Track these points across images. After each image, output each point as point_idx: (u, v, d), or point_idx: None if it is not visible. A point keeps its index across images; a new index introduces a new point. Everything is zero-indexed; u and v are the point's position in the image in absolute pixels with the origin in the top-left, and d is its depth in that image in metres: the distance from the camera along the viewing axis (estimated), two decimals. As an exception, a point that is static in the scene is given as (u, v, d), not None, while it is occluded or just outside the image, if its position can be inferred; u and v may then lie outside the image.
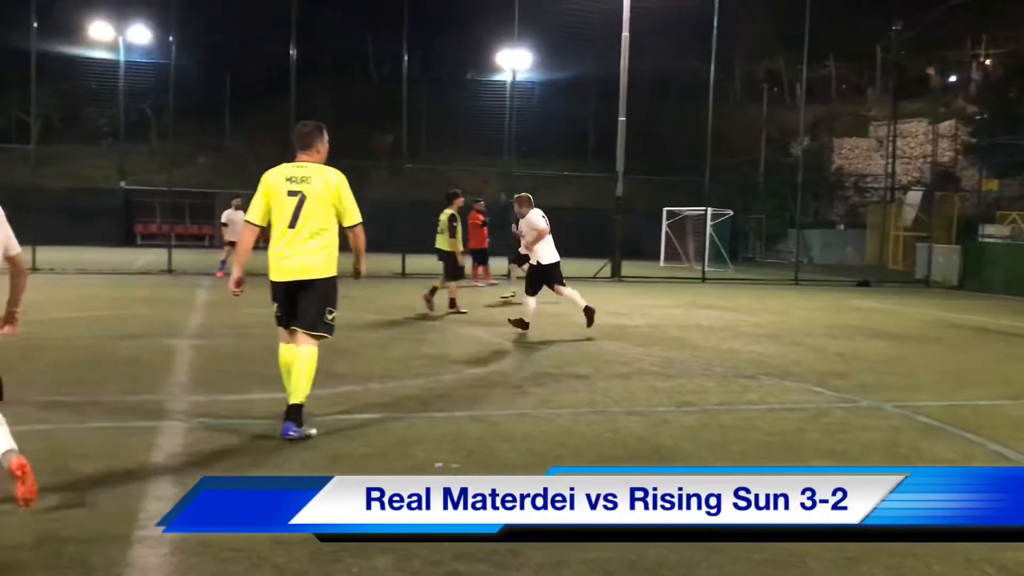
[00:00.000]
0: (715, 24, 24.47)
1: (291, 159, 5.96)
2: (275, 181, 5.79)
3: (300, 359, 5.67)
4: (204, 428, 5.86)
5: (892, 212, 37.49)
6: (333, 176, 5.78)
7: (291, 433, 5.55)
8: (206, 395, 6.92)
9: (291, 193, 5.72)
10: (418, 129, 35.95)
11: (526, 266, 12.52)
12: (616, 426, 6.28)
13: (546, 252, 11.35)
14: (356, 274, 6.10)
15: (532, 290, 11.32)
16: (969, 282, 24.70)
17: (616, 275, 24.22)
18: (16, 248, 4.44)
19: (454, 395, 7.24)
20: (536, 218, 11.47)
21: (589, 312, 11.58)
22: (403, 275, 21.66)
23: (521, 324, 11.19)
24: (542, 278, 11.37)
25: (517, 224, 12.64)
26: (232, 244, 20.11)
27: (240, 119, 46.22)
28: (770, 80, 46.94)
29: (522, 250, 12.78)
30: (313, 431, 5.67)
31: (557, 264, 11.43)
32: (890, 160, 34.87)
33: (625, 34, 23.88)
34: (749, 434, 6.20)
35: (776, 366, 9.36)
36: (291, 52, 21.98)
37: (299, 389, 5.64)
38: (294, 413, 5.59)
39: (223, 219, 20.88)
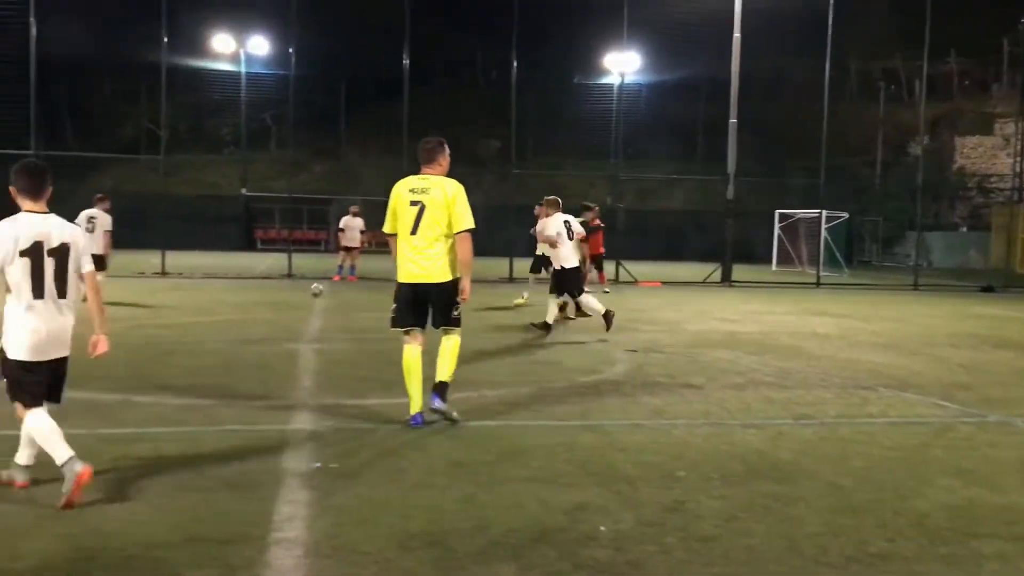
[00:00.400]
0: (830, 20, 23.83)
1: (413, 167, 6.46)
2: (400, 192, 6.28)
3: (446, 348, 6.35)
4: (331, 432, 6.10)
5: (1020, 213, 35.70)
6: (451, 186, 6.20)
7: (436, 403, 6.19)
8: (331, 399, 7.19)
9: (412, 203, 6.19)
10: (525, 133, 36.20)
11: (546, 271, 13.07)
12: (732, 439, 6.23)
13: (567, 257, 11.49)
14: (458, 292, 6.29)
15: (577, 292, 11.62)
16: (1107, 288, 23.37)
17: (727, 280, 23.88)
18: (88, 266, 4.76)
19: (566, 403, 7.31)
20: (550, 225, 11.62)
21: (547, 327, 11.67)
22: (510, 279, 21.86)
23: (607, 318, 11.36)
24: (565, 282, 11.55)
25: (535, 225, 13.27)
26: (347, 249, 20.72)
27: (353, 127, 47.46)
28: (887, 78, 45.33)
29: (539, 252, 13.36)
30: (455, 414, 6.28)
31: (577, 269, 11.71)
32: (1018, 159, 33.23)
33: (736, 35, 23.53)
34: (870, 449, 6.06)
35: (896, 377, 9.09)
36: (404, 61, 22.46)
37: (446, 369, 6.31)
38: (441, 388, 6.28)
39: (340, 225, 21.51)
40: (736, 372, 9.12)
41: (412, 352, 6.24)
